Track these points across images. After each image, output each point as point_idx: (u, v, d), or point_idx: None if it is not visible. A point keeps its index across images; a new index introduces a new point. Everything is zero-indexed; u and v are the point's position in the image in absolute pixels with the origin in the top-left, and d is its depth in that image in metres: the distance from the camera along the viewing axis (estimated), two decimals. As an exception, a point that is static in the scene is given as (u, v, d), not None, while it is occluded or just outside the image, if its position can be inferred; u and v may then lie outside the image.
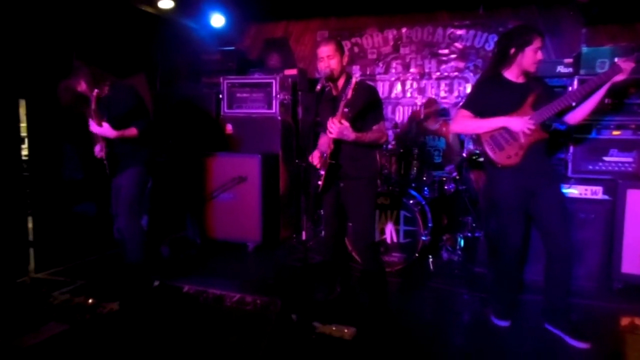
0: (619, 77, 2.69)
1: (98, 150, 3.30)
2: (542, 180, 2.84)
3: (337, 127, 2.65)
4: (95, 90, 3.03)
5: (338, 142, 2.78)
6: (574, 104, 2.83)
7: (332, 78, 2.87)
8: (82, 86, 3.19)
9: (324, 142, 2.99)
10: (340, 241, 3.31)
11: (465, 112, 2.91)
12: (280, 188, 4.89)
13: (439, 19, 5.32)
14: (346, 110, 2.65)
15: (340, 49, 2.85)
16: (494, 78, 2.92)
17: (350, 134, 2.70)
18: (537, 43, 2.76)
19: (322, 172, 2.90)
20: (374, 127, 2.84)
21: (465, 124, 2.94)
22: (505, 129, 2.80)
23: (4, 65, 3.75)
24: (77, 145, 4.40)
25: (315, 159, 2.96)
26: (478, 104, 2.90)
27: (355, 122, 2.76)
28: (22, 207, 4.01)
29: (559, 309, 2.89)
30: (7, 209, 3.80)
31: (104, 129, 3.10)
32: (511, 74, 2.87)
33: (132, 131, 3.23)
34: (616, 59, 2.71)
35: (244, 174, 4.56)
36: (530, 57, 2.77)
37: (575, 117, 2.91)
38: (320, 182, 2.90)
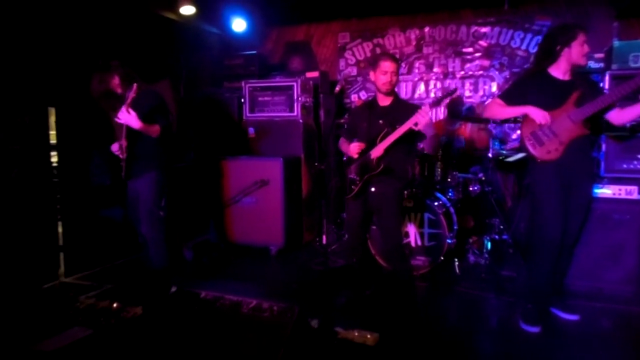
0: None
1: (116, 148, 3.34)
2: (580, 176, 2.94)
3: (426, 118, 2.80)
4: (135, 85, 3.08)
5: (388, 149, 2.97)
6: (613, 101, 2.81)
7: (387, 92, 3.07)
8: (115, 81, 3.30)
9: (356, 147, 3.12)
10: (365, 245, 3.32)
11: (499, 101, 3.06)
12: (303, 191, 4.88)
13: (463, 17, 5.21)
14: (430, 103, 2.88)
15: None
16: (538, 75, 2.96)
17: (432, 131, 3.01)
18: (582, 37, 2.81)
19: (356, 177, 3.07)
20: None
21: (494, 110, 3.09)
22: (547, 125, 2.85)
23: (34, 75, 3.86)
24: (105, 152, 4.49)
25: (356, 147, 3.06)
26: (515, 97, 3.00)
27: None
28: (53, 212, 4.11)
29: (557, 289, 3.15)
30: (38, 215, 3.90)
31: (132, 117, 3.11)
32: (558, 71, 2.91)
33: (156, 127, 3.27)
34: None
35: (266, 177, 4.57)
36: (578, 50, 2.82)
37: (620, 118, 2.92)
38: (354, 187, 3.08)
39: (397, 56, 5.41)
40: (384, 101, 3.12)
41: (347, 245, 3.80)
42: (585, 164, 3.02)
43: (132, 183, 3.42)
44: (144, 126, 3.16)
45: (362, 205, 3.14)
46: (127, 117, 3.10)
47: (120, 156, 3.34)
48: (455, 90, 3.04)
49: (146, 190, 3.34)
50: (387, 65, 2.97)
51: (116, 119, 3.21)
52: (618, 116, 2.90)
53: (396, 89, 3.12)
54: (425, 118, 2.79)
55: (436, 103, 2.94)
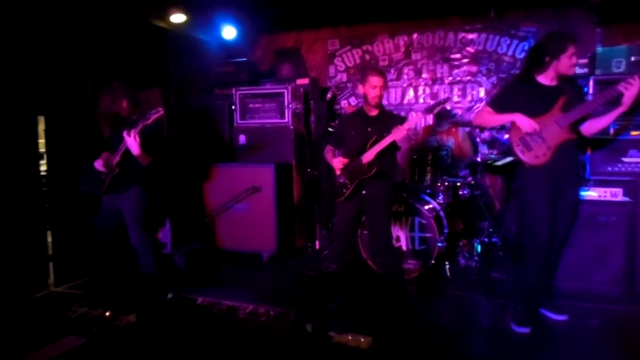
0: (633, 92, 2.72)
1: (100, 165, 3.32)
2: (567, 179, 3.01)
3: (405, 131, 3.01)
4: (161, 109, 3.12)
5: (379, 154, 3.10)
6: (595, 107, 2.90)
7: (376, 105, 3.23)
8: (124, 104, 3.35)
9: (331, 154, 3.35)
10: (356, 249, 3.39)
11: (488, 109, 3.13)
12: (295, 197, 4.90)
13: (450, 24, 5.30)
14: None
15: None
16: (526, 81, 3.03)
17: (408, 144, 3.19)
18: (571, 50, 2.87)
19: (346, 181, 3.20)
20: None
21: (484, 118, 3.17)
22: (535, 131, 2.90)
23: (22, 83, 3.84)
24: (95, 160, 4.48)
25: (340, 163, 3.24)
26: (503, 104, 3.06)
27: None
28: (42, 221, 4.08)
29: (545, 291, 3.21)
30: (27, 224, 3.87)
31: (135, 144, 3.12)
32: (545, 78, 2.98)
33: (149, 160, 3.29)
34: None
35: (258, 184, 4.58)
36: (565, 63, 2.89)
37: (591, 128, 2.99)
38: (345, 190, 3.21)
39: (387, 62, 5.52)
40: (372, 112, 3.27)
41: (337, 249, 3.86)
42: (573, 167, 3.09)
43: (112, 197, 3.39)
44: (141, 155, 3.17)
45: (353, 208, 3.28)
46: (132, 142, 3.12)
47: (104, 170, 3.32)
48: (447, 99, 3.15)
49: (133, 203, 3.34)
50: (375, 80, 3.13)
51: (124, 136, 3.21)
52: (589, 126, 2.98)
53: (385, 96, 3.25)
54: (403, 132, 3.00)
55: (429, 111, 3.05)
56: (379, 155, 3.11)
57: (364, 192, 3.20)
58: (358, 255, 3.51)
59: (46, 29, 3.99)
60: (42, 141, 4.25)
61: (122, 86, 3.39)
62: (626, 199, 3.45)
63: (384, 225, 3.23)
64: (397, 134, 3.00)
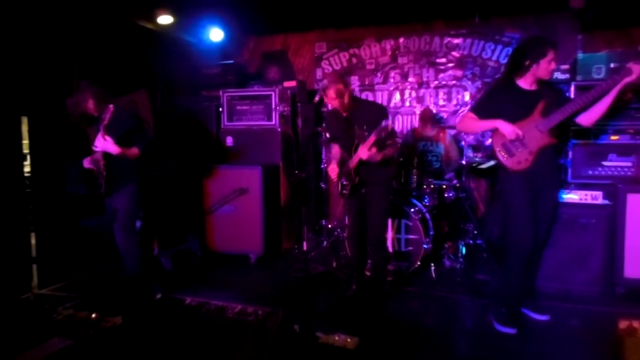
0: (628, 79, 2.78)
1: (88, 163, 3.30)
2: (547, 182, 3.06)
3: (367, 153, 3.01)
4: (112, 106, 3.07)
5: (361, 162, 3.14)
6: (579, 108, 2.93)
7: (345, 110, 3.20)
8: (90, 104, 3.30)
9: (337, 152, 3.43)
10: (363, 238, 3.43)
11: (471, 115, 3.16)
12: (282, 199, 4.91)
13: (436, 29, 5.37)
14: (372, 139, 2.97)
15: (345, 84, 3.16)
16: (506, 86, 3.08)
17: (378, 157, 3.09)
18: (550, 55, 2.91)
19: (346, 182, 3.29)
20: (389, 142, 3.20)
21: (467, 124, 3.21)
22: (518, 138, 2.94)
23: (6, 83, 3.79)
24: (80, 161, 4.43)
25: (333, 172, 3.35)
26: (485, 110, 3.10)
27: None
28: (25, 223, 4.03)
29: (527, 291, 3.25)
30: (10, 226, 3.82)
31: (108, 144, 3.11)
32: (524, 82, 3.03)
33: (134, 151, 3.28)
34: (629, 64, 2.79)
35: (245, 185, 4.58)
36: (544, 68, 2.93)
37: (588, 118, 3.02)
38: (345, 191, 3.34)
39: (373, 66, 5.57)
40: (345, 113, 3.27)
41: (348, 234, 3.93)
42: (553, 171, 3.16)
43: (110, 199, 3.39)
44: (122, 151, 3.16)
45: (356, 202, 3.38)
46: (104, 144, 3.10)
47: (92, 168, 3.30)
48: (387, 126, 3.02)
49: (124, 203, 3.33)
50: (330, 93, 3.10)
51: (94, 148, 3.19)
52: (586, 117, 3.01)
53: (372, 97, 3.23)
54: (365, 155, 3.03)
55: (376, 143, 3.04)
56: (361, 162, 3.14)
57: (363, 191, 3.30)
58: (365, 246, 3.55)
59: (31, 29, 3.95)
60: (25, 142, 4.20)
61: (87, 85, 3.34)
62: (606, 202, 3.54)
63: (380, 221, 3.33)
64: (362, 154, 3.04)
